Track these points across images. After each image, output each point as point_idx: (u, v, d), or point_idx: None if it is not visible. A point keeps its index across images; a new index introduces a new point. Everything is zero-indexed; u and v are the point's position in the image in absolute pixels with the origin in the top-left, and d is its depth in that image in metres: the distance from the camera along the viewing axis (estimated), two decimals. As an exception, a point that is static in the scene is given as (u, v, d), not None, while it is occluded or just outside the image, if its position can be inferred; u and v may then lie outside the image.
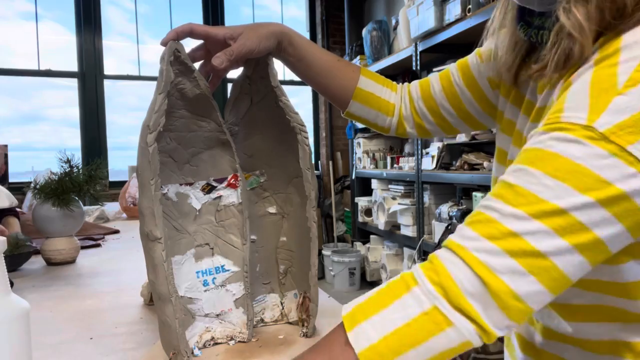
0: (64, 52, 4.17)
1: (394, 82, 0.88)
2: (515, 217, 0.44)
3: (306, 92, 5.14)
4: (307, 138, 0.74)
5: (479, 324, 0.43)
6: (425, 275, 0.45)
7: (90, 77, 4.16)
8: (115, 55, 4.37)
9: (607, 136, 0.43)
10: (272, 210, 0.82)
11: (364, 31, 3.91)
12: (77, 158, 1.35)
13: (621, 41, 0.45)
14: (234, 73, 0.77)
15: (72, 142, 4.24)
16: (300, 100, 5.23)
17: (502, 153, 0.69)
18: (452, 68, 0.80)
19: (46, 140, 4.35)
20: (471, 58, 0.77)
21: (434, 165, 3.01)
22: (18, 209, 1.74)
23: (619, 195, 0.42)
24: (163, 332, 0.66)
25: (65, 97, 4.30)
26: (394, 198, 3.53)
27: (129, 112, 4.63)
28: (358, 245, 4.19)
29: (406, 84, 0.87)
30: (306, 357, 0.48)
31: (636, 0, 0.47)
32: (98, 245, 1.56)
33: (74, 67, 4.16)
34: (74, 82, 4.19)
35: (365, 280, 4.07)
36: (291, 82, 5.06)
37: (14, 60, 4.02)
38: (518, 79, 0.64)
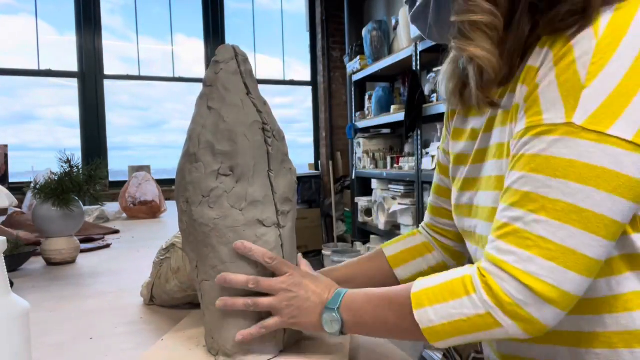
0: (58, 50, 4.17)
1: (415, 229, 0.94)
2: (537, 222, 0.51)
3: (306, 91, 5.14)
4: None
5: (534, 325, 0.51)
6: (482, 287, 0.53)
7: (90, 77, 4.16)
8: (115, 55, 4.38)
9: (586, 127, 0.49)
10: None
11: (364, 31, 3.91)
12: (77, 158, 1.35)
13: (571, 39, 0.52)
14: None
15: (68, 141, 4.24)
16: (300, 100, 5.23)
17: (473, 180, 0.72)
18: (434, 176, 0.90)
19: (42, 140, 4.36)
20: (440, 156, 0.87)
21: (434, 165, 3.01)
22: (18, 209, 1.74)
23: (612, 175, 0.49)
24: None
25: (59, 97, 4.30)
26: (394, 198, 3.53)
27: (128, 112, 4.64)
28: (358, 245, 4.19)
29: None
30: (376, 308, 0.60)
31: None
32: (107, 246, 1.55)
33: (71, 66, 4.16)
34: (66, 81, 4.19)
35: (365, 280, 4.06)
36: (291, 82, 5.06)
37: (3, 58, 4.00)
38: (464, 100, 0.71)
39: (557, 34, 0.53)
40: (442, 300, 0.54)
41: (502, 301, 0.51)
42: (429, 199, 0.91)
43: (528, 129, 0.53)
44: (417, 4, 0.67)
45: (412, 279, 0.83)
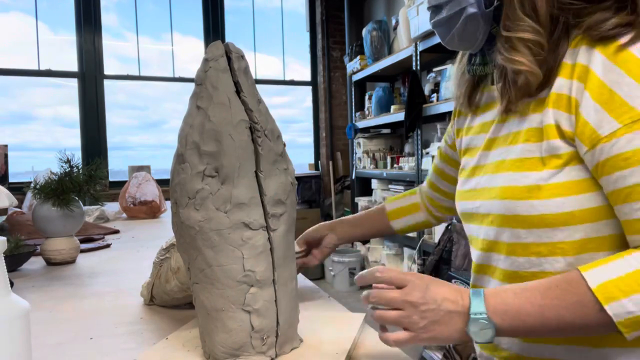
0: (58, 50, 4.17)
1: (413, 188, 1.11)
2: None
3: (306, 91, 5.14)
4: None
5: None
6: None
7: (90, 77, 4.16)
8: (113, 55, 4.38)
9: None
10: None
11: (364, 31, 3.91)
12: (77, 158, 1.35)
13: (628, 46, 0.59)
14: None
15: (68, 141, 4.24)
16: (299, 100, 5.23)
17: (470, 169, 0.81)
18: (435, 159, 1.02)
19: (42, 140, 4.36)
20: (442, 145, 0.97)
21: (434, 165, 3.01)
22: (18, 209, 1.74)
23: None
24: (255, 320, 0.64)
25: (58, 96, 4.30)
26: (394, 198, 3.53)
27: (127, 111, 4.64)
28: (358, 245, 4.19)
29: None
30: (541, 308, 0.57)
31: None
32: (107, 246, 1.55)
33: (70, 66, 4.16)
34: (66, 81, 4.19)
35: (365, 280, 4.06)
36: (291, 82, 5.06)
37: (2, 58, 3.99)
38: (471, 102, 0.82)
39: (604, 41, 0.60)
40: (638, 291, 0.54)
41: None
42: (428, 174, 1.04)
43: (627, 126, 0.57)
44: (443, 14, 0.71)
45: (404, 230, 1.07)
